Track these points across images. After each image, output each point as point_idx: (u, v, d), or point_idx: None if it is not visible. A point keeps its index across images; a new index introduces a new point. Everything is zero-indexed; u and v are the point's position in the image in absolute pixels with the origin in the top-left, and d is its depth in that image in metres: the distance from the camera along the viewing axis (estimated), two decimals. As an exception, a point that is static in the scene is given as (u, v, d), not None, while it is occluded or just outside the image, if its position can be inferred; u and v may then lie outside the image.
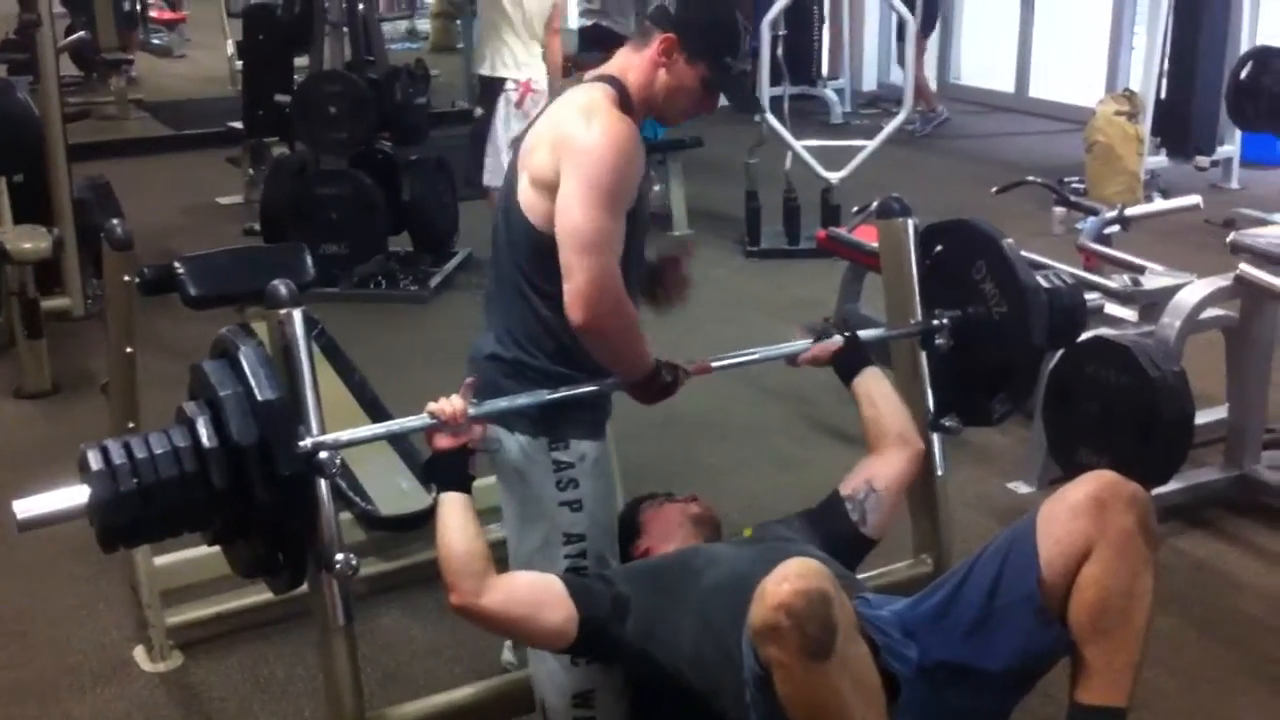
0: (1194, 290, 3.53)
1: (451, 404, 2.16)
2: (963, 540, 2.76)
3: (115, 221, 2.82)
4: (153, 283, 2.77)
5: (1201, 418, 3.23)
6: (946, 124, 9.29)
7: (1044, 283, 2.62)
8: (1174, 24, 6.88)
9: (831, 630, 1.77)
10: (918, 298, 2.65)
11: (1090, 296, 3.43)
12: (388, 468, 3.31)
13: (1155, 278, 3.79)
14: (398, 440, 3.28)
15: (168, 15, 13.37)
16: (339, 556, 2.07)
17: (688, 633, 2.14)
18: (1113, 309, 3.88)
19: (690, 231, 6.67)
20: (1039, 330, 2.53)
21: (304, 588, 2.14)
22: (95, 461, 1.92)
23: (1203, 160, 7.02)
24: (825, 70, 10.27)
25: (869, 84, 10.73)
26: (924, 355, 2.66)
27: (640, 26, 2.38)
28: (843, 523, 2.44)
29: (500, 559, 2.25)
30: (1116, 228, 4.28)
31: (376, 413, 3.32)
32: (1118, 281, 3.75)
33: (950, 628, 2.10)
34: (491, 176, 5.44)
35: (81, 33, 9.05)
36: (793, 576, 1.79)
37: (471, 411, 2.17)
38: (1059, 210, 4.58)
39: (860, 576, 2.46)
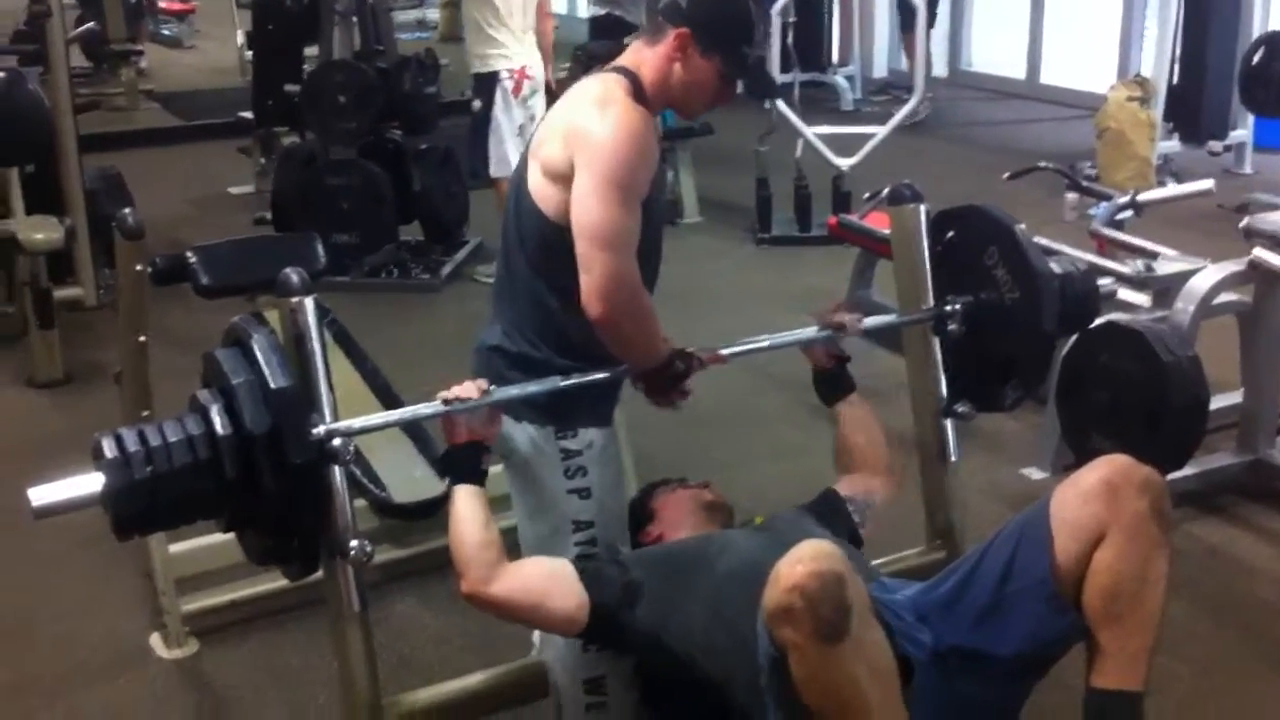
0: (1207, 275, 3.52)
1: (474, 385, 2.16)
2: (975, 526, 2.75)
3: (127, 211, 2.81)
4: (165, 272, 2.76)
5: (1215, 403, 3.21)
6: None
7: (1056, 268, 2.61)
8: (1185, 9, 6.84)
9: (845, 612, 1.77)
10: (929, 284, 2.65)
11: (1103, 282, 3.41)
12: (401, 455, 3.32)
13: (1168, 263, 3.77)
14: (411, 427, 3.30)
15: (177, 6, 13.38)
16: (353, 543, 2.07)
17: (700, 620, 2.14)
18: (1126, 294, 3.86)
19: (700, 219, 6.68)
20: (1051, 316, 2.52)
21: (318, 575, 2.15)
22: (109, 449, 1.93)
23: (1215, 145, 6.98)
24: (836, 57, 10.25)
25: (880, 70, 10.66)
26: (936, 341, 2.66)
27: (651, 19, 2.35)
28: (848, 521, 2.46)
29: (511, 546, 2.25)
30: (1129, 213, 4.25)
31: (389, 400, 3.32)
32: (1131, 267, 3.73)
33: (963, 613, 2.10)
34: (498, 166, 5.44)
35: (91, 24, 9.05)
36: (806, 559, 1.80)
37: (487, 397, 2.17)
38: (1071, 196, 4.56)
39: (874, 563, 2.47)
